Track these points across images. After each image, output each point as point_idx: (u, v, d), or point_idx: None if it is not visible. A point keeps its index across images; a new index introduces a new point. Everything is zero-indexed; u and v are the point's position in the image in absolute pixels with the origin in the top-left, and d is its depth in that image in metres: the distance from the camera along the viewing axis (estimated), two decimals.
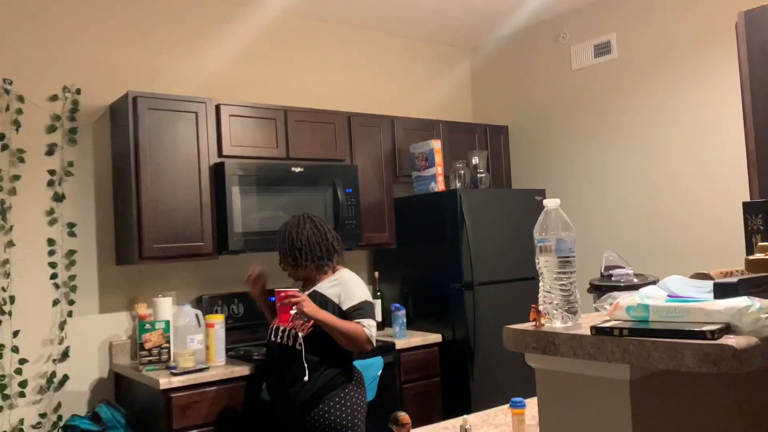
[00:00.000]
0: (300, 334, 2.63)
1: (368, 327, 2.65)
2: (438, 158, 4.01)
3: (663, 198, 3.90)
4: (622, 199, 4.11)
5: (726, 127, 3.59)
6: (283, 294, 2.58)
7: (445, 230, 3.82)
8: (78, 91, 3.37)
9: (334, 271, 2.81)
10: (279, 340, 2.72)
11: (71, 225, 3.31)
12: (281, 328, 2.73)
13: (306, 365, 2.61)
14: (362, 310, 2.68)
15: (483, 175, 4.09)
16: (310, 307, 2.58)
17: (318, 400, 2.62)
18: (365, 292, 2.75)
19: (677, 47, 3.83)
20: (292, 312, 2.56)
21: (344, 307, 2.67)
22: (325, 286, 2.75)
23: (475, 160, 4.11)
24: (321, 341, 2.63)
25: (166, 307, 3.25)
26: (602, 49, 4.20)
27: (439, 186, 3.99)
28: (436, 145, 4.02)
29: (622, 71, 4.11)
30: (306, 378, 2.60)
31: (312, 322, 2.62)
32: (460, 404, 3.66)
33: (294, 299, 2.55)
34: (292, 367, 2.64)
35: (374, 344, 2.71)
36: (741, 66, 2.68)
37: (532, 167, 4.66)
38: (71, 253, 3.29)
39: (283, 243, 2.80)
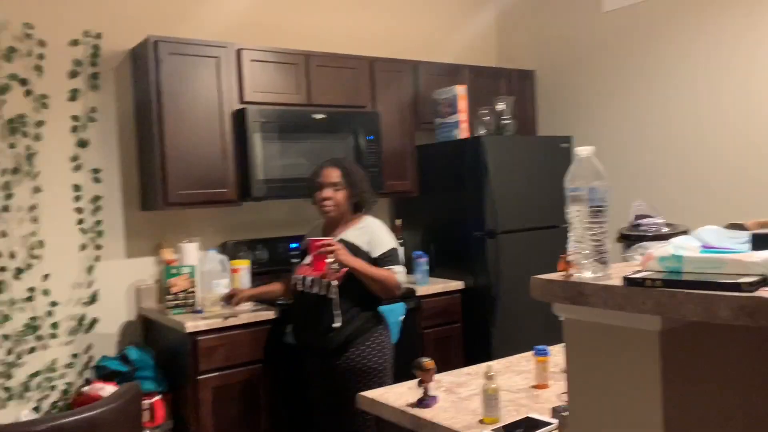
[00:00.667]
0: (333, 283, 2.60)
1: (399, 273, 2.68)
2: (462, 104, 3.94)
3: (696, 146, 3.80)
4: (653, 147, 4.02)
5: (763, 72, 3.46)
6: (319, 243, 2.53)
7: (467, 178, 3.78)
8: (99, 36, 3.33)
9: (358, 219, 2.79)
10: (310, 290, 2.69)
11: (96, 171, 3.33)
12: (309, 278, 2.69)
13: (339, 312, 2.62)
14: (392, 256, 2.69)
15: (508, 121, 4.02)
16: (345, 256, 2.58)
17: (350, 343, 2.65)
18: (393, 239, 2.76)
19: None
20: (328, 261, 2.52)
21: (374, 255, 2.67)
22: (354, 234, 2.71)
23: (500, 106, 4.03)
24: (353, 288, 2.63)
25: (191, 253, 3.29)
26: None
27: (463, 133, 3.93)
28: (460, 90, 3.94)
29: (656, 13, 3.95)
30: (339, 324, 2.61)
31: (344, 270, 2.60)
32: (480, 351, 3.69)
33: (330, 248, 2.52)
34: (324, 314, 2.64)
35: (403, 290, 2.80)
36: None
37: (559, 113, 4.56)
38: (96, 198, 3.32)
39: (360, 180, 2.75)
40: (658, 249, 1.12)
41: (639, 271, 1.10)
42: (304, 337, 2.80)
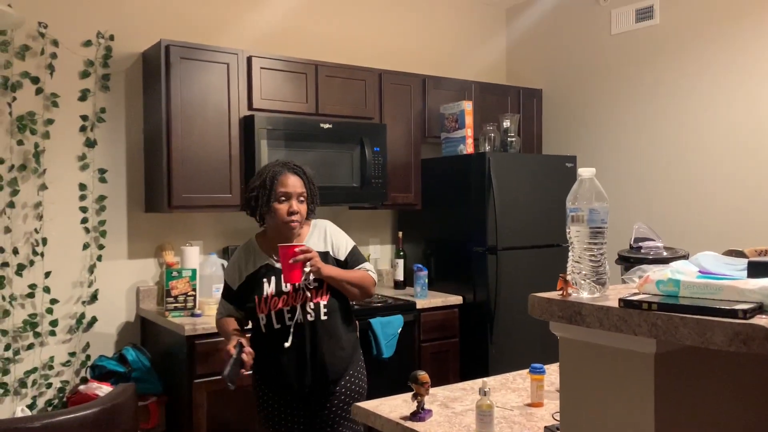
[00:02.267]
0: (322, 303, 2.28)
1: (371, 270, 2.42)
2: (468, 120, 3.96)
3: (698, 171, 3.82)
4: (656, 171, 4.03)
5: None
6: (295, 249, 2.16)
7: (471, 193, 3.80)
8: (111, 38, 3.37)
9: (307, 224, 2.45)
10: (299, 320, 2.27)
11: (102, 171, 3.35)
12: (287, 309, 2.27)
13: (340, 333, 2.32)
14: (357, 254, 2.42)
15: (513, 139, 4.04)
16: (322, 264, 2.23)
17: (347, 367, 2.35)
18: (347, 236, 2.48)
19: (723, 14, 3.69)
20: (307, 269, 2.18)
21: (341, 258, 2.37)
22: (316, 240, 2.37)
23: (506, 124, 4.05)
24: (338, 303, 2.33)
25: (193, 256, 3.30)
26: (644, 14, 4.07)
27: (468, 148, 3.95)
28: (467, 106, 3.96)
29: (664, 38, 3.98)
30: (345, 349, 2.33)
31: (324, 286, 2.30)
32: (477, 366, 3.69)
33: (309, 254, 2.17)
34: (322, 341, 2.29)
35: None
36: None
37: (564, 133, 4.58)
38: (101, 198, 3.34)
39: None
40: (656, 272, 1.13)
41: (636, 294, 1.11)
42: (299, 374, 2.29)
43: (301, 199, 2.31)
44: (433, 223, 4.08)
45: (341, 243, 2.40)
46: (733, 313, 0.96)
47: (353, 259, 2.40)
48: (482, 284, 3.75)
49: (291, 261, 2.15)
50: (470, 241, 3.81)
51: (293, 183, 2.30)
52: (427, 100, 4.10)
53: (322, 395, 2.30)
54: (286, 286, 2.27)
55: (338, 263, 2.36)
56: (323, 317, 2.29)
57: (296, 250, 2.16)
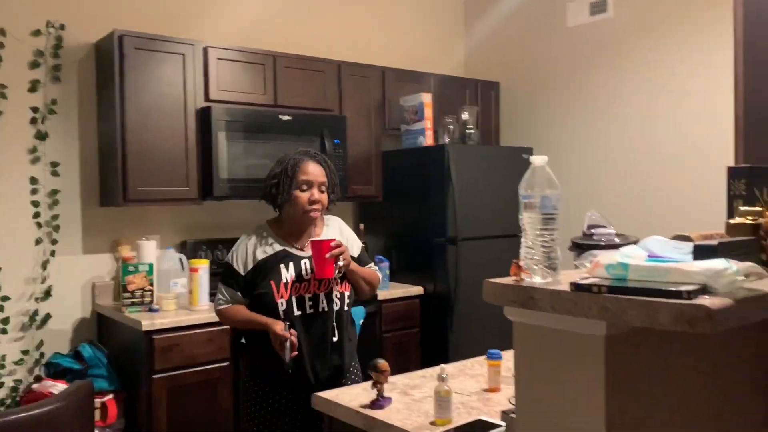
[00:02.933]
0: (346, 293, 2.30)
1: (378, 270, 2.49)
2: (428, 112, 3.98)
3: (649, 160, 3.92)
4: (609, 160, 4.12)
5: (716, 90, 3.58)
6: (330, 243, 2.17)
7: (431, 185, 3.82)
8: (62, 27, 3.28)
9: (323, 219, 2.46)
10: (323, 308, 2.26)
11: (54, 164, 3.27)
12: (308, 296, 2.25)
13: (353, 322, 2.38)
14: (365, 254, 2.48)
15: (472, 131, 4.07)
16: (349, 258, 2.26)
17: (353, 357, 2.39)
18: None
19: (674, 8, 3.79)
20: (340, 263, 2.18)
21: (354, 254, 2.38)
22: (332, 234, 2.35)
23: (464, 116, 4.08)
24: (348, 295, 2.34)
25: (150, 250, 3.25)
26: (598, 8, 4.15)
27: (428, 140, 3.97)
28: (426, 98, 3.98)
29: (617, 31, 4.06)
30: (353, 338, 2.38)
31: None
32: (438, 355, 3.72)
33: (341, 248, 2.18)
34: (345, 330, 2.32)
35: None
36: (736, 30, 2.66)
37: (522, 125, 4.64)
38: (54, 192, 3.26)
39: (333, 173, 2.35)
40: (606, 257, 1.16)
41: (587, 278, 1.14)
42: (313, 364, 2.25)
43: (323, 188, 2.29)
44: (395, 214, 4.09)
45: (354, 241, 2.42)
46: (678, 294, 0.99)
47: (364, 258, 2.43)
48: (442, 275, 3.78)
49: (327, 255, 2.15)
50: (431, 233, 3.84)
51: (315, 171, 2.27)
52: (387, 93, 4.10)
53: (333, 386, 2.18)
54: (306, 274, 2.24)
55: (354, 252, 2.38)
56: (346, 307, 2.31)
57: (331, 244, 2.16)
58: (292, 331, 2.13)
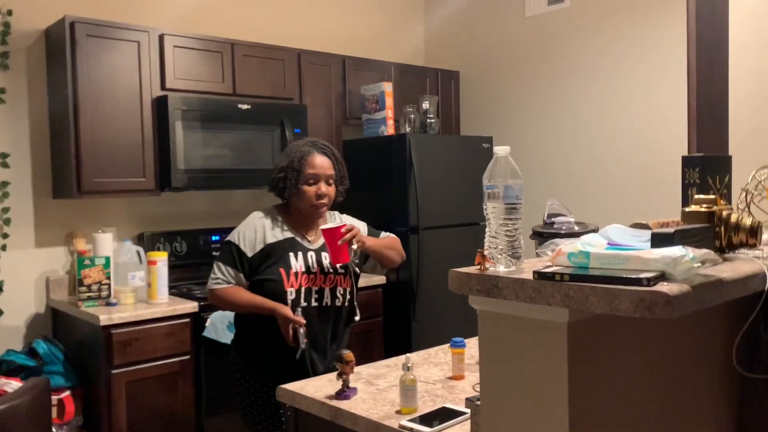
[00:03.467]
0: (348, 290, 2.30)
1: (393, 235, 2.48)
2: (389, 101, 3.97)
3: (607, 149, 4.00)
4: (568, 149, 4.19)
5: (670, 82, 3.67)
6: (341, 230, 2.17)
7: (393, 174, 3.82)
8: (9, 13, 3.16)
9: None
10: (326, 302, 2.25)
11: (4, 155, 3.16)
12: (315, 289, 2.23)
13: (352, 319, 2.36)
14: (373, 229, 2.47)
15: (433, 120, 4.08)
16: (364, 236, 2.26)
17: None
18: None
19: (629, 0, 3.86)
20: (354, 246, 2.19)
21: (364, 233, 2.38)
22: (339, 223, 2.33)
23: (425, 105, 4.09)
24: (349, 291, 2.34)
25: (106, 243, 3.17)
26: None
27: (389, 129, 3.97)
28: (387, 87, 3.97)
29: (574, 21, 4.12)
30: (357, 318, 2.36)
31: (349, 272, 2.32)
32: (401, 344, 3.74)
33: (353, 232, 2.17)
34: (346, 325, 2.34)
35: None
36: (689, 22, 2.73)
37: (481, 114, 4.68)
38: (4, 184, 3.15)
39: (341, 165, 2.33)
40: (568, 245, 1.18)
41: (549, 266, 1.16)
42: (324, 361, 2.26)
43: (330, 181, 2.26)
44: (357, 204, 4.04)
45: (358, 223, 2.39)
46: (638, 282, 1.02)
47: (374, 233, 2.41)
48: (405, 264, 3.76)
49: (340, 242, 2.15)
50: (393, 222, 3.83)
51: (322, 164, 2.24)
52: (347, 82, 4.08)
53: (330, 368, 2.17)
54: (313, 267, 2.23)
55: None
56: (346, 304, 2.30)
57: (342, 231, 2.15)
58: (301, 319, 2.12)
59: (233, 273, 2.21)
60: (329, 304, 2.26)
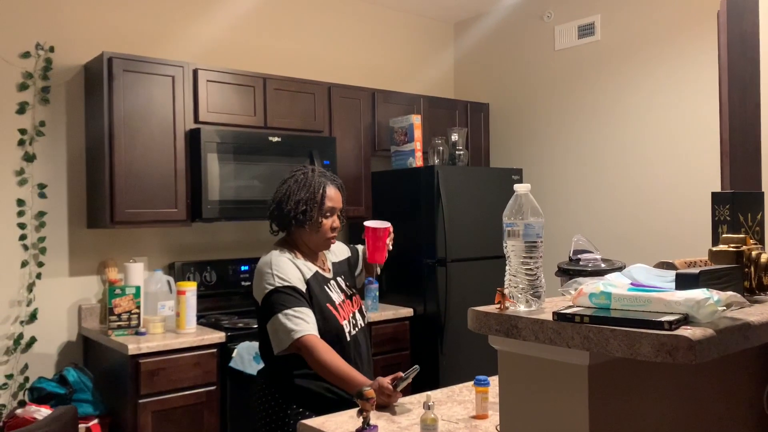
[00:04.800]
0: (364, 307, 2.34)
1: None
2: (417, 133, 3.99)
3: (637, 184, 3.93)
4: (597, 183, 4.14)
5: (703, 115, 3.61)
6: (387, 228, 2.22)
7: (421, 206, 3.82)
8: (51, 49, 3.28)
9: None
10: (360, 325, 2.24)
11: (42, 186, 3.25)
12: (351, 315, 2.20)
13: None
14: (353, 247, 2.53)
15: (461, 152, 4.09)
16: None
17: None
18: None
19: (660, 32, 3.83)
20: (390, 247, 2.27)
21: (351, 254, 2.45)
22: (340, 247, 2.38)
23: (454, 137, 4.10)
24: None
25: (137, 273, 3.23)
26: (586, 31, 4.19)
27: (417, 162, 3.98)
28: (416, 120, 4.00)
29: (605, 54, 4.10)
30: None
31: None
32: (428, 378, 3.69)
33: (392, 235, 2.24)
34: (368, 344, 2.30)
35: None
36: (720, 55, 2.69)
37: (511, 146, 4.66)
38: (41, 214, 3.24)
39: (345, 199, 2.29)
40: (589, 285, 1.16)
41: (570, 307, 1.14)
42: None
43: (340, 214, 2.23)
44: None
45: (343, 247, 2.42)
46: (659, 325, 0.99)
47: (354, 249, 2.48)
48: (432, 296, 3.77)
49: (388, 241, 2.23)
50: (420, 254, 3.83)
51: (336, 197, 2.21)
52: (376, 114, 4.12)
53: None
54: (340, 295, 2.20)
55: (353, 261, 2.42)
56: (366, 321, 2.30)
57: (384, 228, 2.21)
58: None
59: (309, 313, 2.04)
60: (363, 325, 2.25)
